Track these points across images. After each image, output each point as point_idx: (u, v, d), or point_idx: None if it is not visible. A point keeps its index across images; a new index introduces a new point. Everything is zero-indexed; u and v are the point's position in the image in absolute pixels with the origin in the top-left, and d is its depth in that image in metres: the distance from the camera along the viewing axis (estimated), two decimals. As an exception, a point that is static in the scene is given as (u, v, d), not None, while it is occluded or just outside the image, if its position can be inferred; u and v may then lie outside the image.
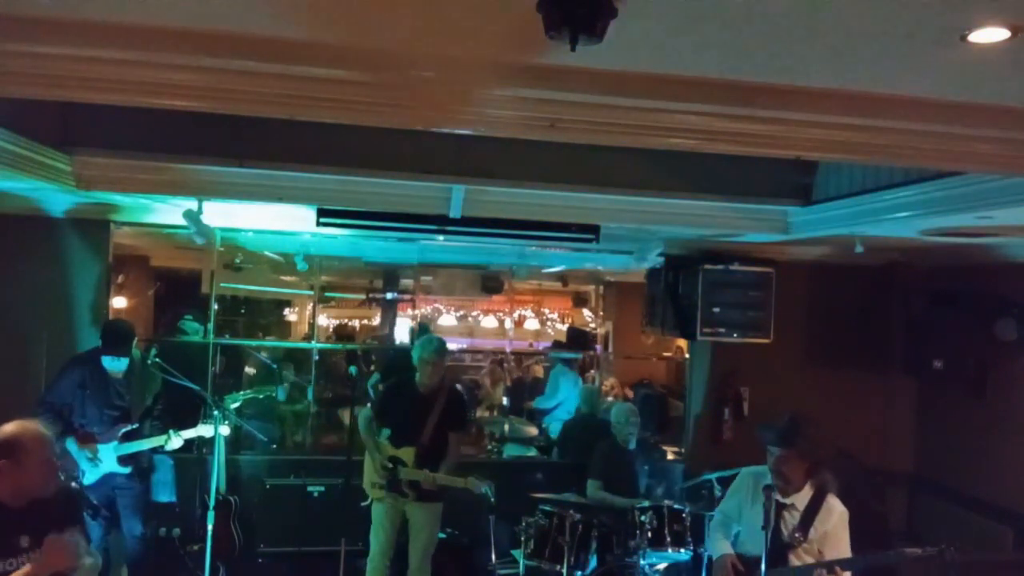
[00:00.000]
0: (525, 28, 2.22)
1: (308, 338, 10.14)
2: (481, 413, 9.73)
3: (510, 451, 8.04)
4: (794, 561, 3.87)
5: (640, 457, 6.10)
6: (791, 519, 3.90)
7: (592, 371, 10.13)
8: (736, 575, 4.00)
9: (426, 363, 5.24)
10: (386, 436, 5.39)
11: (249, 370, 9.08)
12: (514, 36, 2.55)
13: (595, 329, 11.22)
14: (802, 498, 3.92)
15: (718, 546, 4.16)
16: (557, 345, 9.82)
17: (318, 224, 5.32)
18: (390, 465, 5.16)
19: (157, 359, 5.65)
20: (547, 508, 5.37)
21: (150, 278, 9.97)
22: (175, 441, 5.40)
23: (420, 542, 5.29)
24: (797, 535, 3.86)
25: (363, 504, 5.40)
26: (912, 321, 6.42)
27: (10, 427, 3.26)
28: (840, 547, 3.87)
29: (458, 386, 6.33)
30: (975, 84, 2.83)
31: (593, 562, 5.29)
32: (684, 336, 6.67)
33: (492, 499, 5.02)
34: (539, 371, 10.48)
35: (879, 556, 3.95)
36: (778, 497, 3.88)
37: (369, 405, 5.61)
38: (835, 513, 3.91)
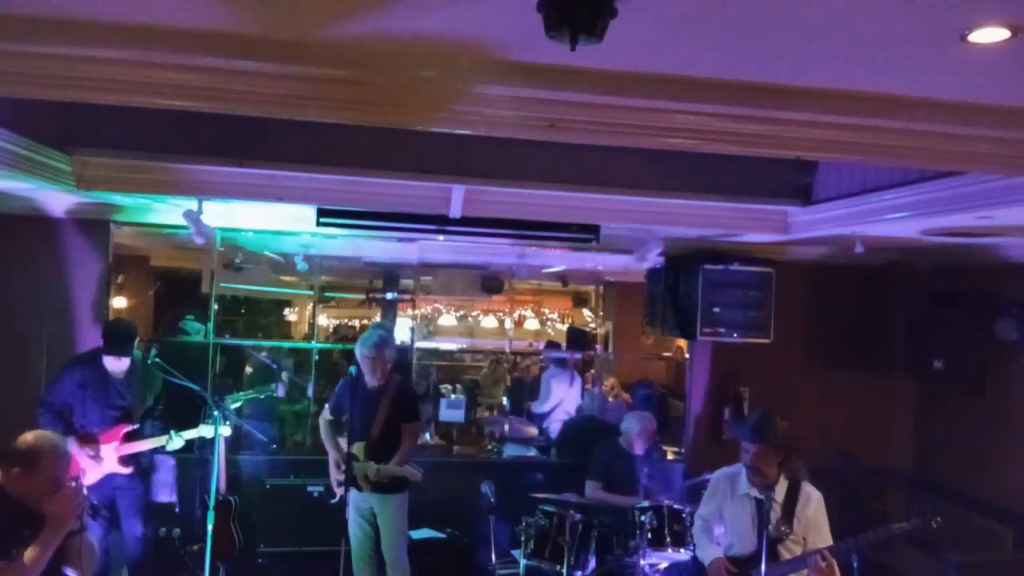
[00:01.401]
0: (525, 28, 2.22)
1: (308, 338, 10.13)
2: (481, 413, 9.72)
3: (510, 451, 8.04)
4: (784, 554, 3.93)
5: (642, 460, 6.08)
6: (773, 513, 3.96)
7: (592, 371, 10.11)
8: None
9: (366, 359, 5.24)
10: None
11: (249, 370, 9.08)
12: (514, 36, 2.55)
13: (595, 329, 11.21)
14: (779, 490, 4.00)
15: (708, 551, 4.21)
16: (550, 346, 9.72)
17: (318, 224, 5.31)
18: (343, 462, 5.17)
19: (158, 359, 5.63)
20: (547, 508, 5.37)
21: (150, 278, 9.96)
22: (176, 442, 5.40)
23: (387, 535, 5.31)
24: (783, 528, 3.92)
25: (331, 502, 5.40)
26: (912, 321, 6.41)
27: (30, 437, 3.29)
28: (822, 531, 3.97)
29: (405, 379, 6.12)
30: (975, 84, 2.83)
31: (593, 562, 5.28)
32: (684, 336, 6.66)
33: (492, 499, 5.00)
34: (538, 371, 10.45)
35: (867, 536, 3.98)
36: (756, 493, 3.96)
37: (327, 406, 5.61)
38: (813, 499, 4.01)
